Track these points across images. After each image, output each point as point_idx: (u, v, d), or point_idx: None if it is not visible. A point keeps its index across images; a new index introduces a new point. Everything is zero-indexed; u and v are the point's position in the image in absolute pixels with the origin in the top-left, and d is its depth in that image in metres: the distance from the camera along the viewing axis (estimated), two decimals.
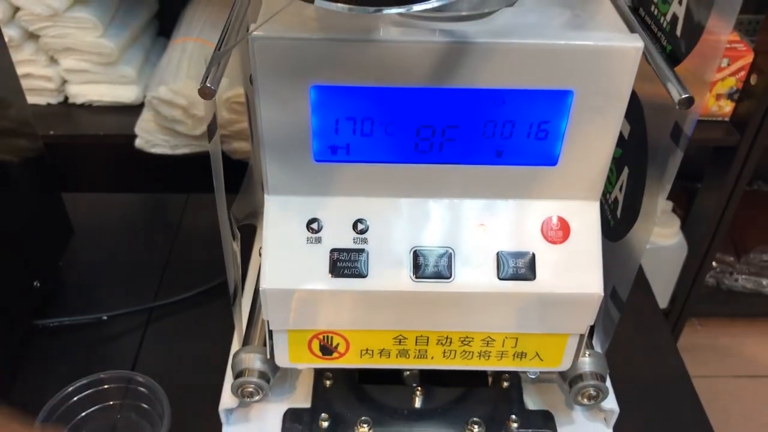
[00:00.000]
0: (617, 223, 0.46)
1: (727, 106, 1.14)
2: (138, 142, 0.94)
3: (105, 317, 0.66)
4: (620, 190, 0.46)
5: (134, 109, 0.99)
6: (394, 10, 0.32)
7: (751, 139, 1.14)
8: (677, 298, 1.35)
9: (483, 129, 0.39)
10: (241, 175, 0.62)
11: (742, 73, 1.11)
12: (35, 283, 0.65)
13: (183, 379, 0.57)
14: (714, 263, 1.42)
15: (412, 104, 0.38)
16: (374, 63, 0.36)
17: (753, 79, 1.11)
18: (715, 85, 1.12)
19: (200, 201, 0.90)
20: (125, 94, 1.02)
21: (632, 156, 0.44)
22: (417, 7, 0.32)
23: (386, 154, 0.40)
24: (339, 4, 0.32)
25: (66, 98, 1.03)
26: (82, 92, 1.02)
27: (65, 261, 0.72)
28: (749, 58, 1.10)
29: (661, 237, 1.27)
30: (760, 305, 1.44)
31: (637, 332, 0.66)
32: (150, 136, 0.94)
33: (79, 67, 0.99)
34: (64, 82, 1.02)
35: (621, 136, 0.45)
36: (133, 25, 1.02)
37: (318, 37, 0.36)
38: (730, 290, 1.44)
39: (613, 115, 0.39)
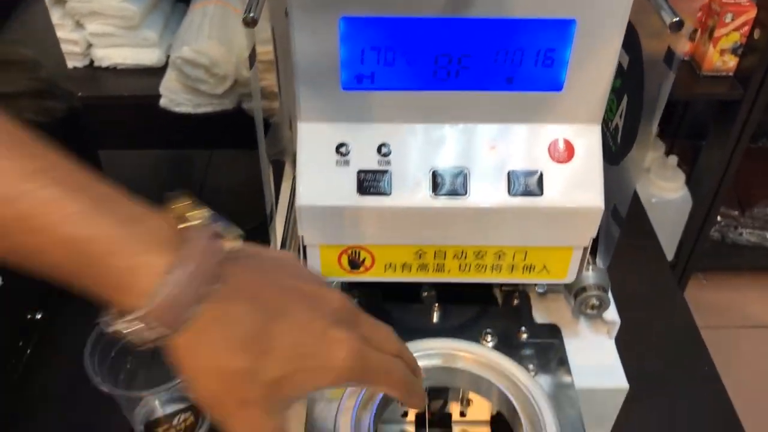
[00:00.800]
0: (618, 148, 0.50)
1: (731, 61, 1.17)
2: (163, 102, 0.98)
3: None
4: (620, 117, 0.50)
5: (156, 72, 1.03)
6: None
7: (754, 93, 1.17)
8: (682, 251, 1.39)
9: (495, 57, 0.43)
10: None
11: (746, 28, 1.14)
12: None
13: None
14: (719, 217, 1.45)
15: (430, 34, 0.42)
16: None
17: (756, 34, 1.13)
18: (719, 40, 1.15)
19: (223, 157, 0.95)
20: (147, 56, 1.06)
21: (631, 85, 0.48)
22: None
23: (407, 81, 0.44)
24: None
25: (91, 61, 1.07)
26: (108, 55, 1.06)
27: None
28: (752, 14, 1.12)
29: (667, 191, 1.31)
30: (763, 258, 1.48)
31: (643, 282, 0.70)
32: (174, 95, 0.98)
33: (104, 30, 1.03)
34: (90, 45, 1.06)
35: (621, 67, 0.49)
36: None
37: None
38: (734, 243, 1.47)
39: (611, 43, 0.43)
